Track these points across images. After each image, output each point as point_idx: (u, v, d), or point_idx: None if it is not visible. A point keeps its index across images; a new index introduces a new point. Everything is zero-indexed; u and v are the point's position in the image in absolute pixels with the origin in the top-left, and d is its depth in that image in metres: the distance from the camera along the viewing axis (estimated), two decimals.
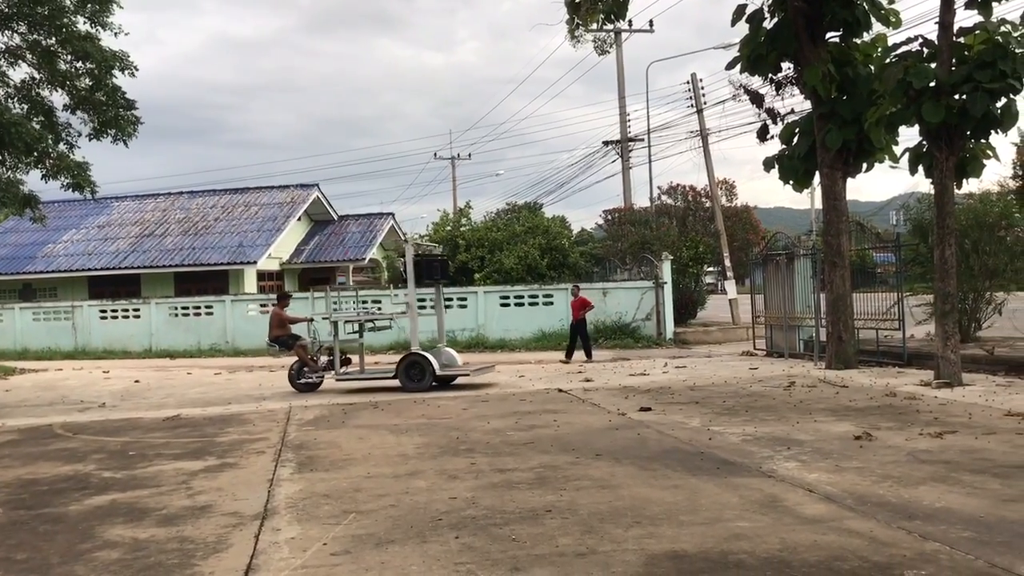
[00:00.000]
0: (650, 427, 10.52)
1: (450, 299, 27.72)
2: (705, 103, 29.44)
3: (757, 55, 16.34)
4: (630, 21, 34.86)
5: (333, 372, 15.93)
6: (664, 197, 28.31)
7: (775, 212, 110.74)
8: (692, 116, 29.82)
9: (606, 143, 34.36)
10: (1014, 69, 12.24)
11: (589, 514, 6.59)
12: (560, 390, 14.62)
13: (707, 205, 28.20)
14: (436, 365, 15.17)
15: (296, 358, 16.25)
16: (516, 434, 10.40)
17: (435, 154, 64.04)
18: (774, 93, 17.21)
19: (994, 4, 12.93)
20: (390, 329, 19.99)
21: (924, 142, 13.43)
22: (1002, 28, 12.51)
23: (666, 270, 25.34)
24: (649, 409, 11.90)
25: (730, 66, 16.94)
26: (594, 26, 17.26)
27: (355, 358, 16.81)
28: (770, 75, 17.00)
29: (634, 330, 25.04)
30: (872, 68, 15.87)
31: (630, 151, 33.58)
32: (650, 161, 32.52)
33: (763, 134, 17.61)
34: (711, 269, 30.00)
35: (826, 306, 16.49)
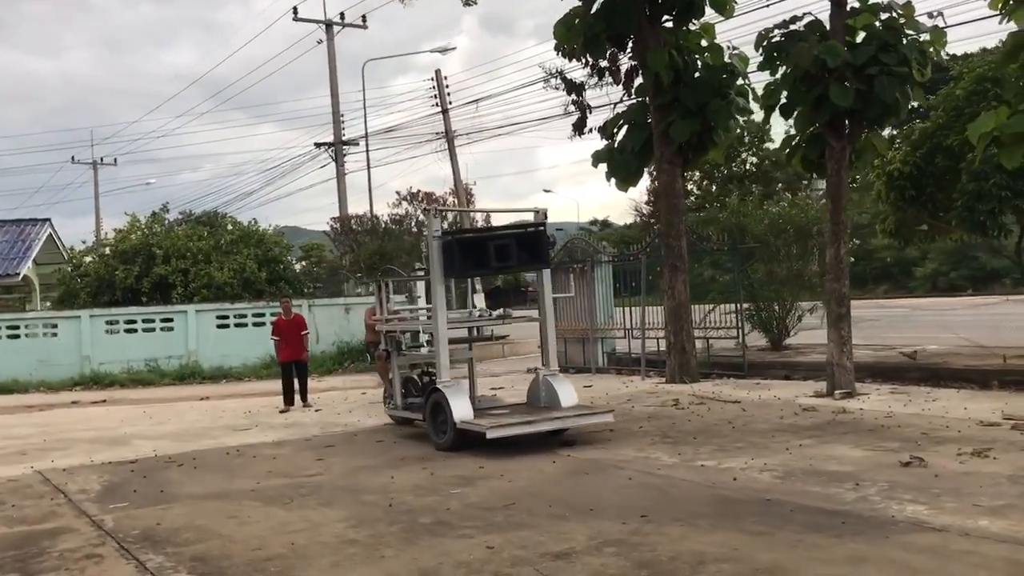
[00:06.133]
0: (625, 468, 8.05)
1: (151, 320, 23.03)
2: (451, 103, 27.30)
3: (592, 34, 14.50)
4: (342, 14, 32.11)
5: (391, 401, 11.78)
6: (404, 204, 25.77)
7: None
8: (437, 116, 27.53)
9: (319, 145, 30.91)
10: (912, 54, 11.49)
11: None
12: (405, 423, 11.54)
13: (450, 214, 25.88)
14: (460, 414, 9.40)
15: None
16: (465, 491, 7.46)
17: (72, 157, 55.69)
18: (595, 81, 15.54)
19: None
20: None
21: (800, 133, 12.40)
22: (893, 12, 11.73)
23: (420, 283, 22.76)
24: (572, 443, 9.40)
25: (559, 48, 14.95)
26: None
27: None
28: (591, 61, 15.29)
29: None
30: (707, 56, 14.78)
31: (344, 155, 30.52)
32: (368, 167, 29.73)
33: (580, 127, 15.85)
34: None
35: (666, 315, 14.99)
